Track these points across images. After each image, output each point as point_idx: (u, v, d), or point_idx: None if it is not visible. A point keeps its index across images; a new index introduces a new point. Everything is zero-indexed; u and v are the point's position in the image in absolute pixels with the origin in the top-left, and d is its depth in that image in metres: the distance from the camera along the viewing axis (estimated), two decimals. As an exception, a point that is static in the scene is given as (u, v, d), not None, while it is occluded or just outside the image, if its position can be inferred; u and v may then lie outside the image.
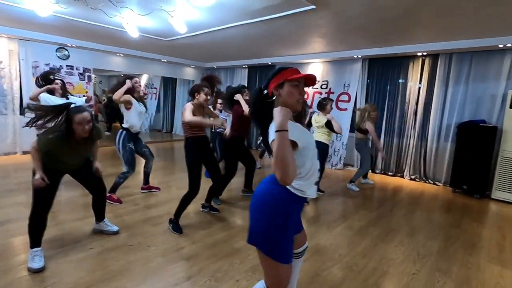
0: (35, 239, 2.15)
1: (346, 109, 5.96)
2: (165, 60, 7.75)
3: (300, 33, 4.50)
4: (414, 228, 3.19)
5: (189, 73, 8.82)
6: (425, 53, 4.97)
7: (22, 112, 5.69)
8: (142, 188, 3.91)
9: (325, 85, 6.29)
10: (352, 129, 5.95)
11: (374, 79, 5.75)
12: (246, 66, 7.84)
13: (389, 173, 5.61)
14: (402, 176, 5.44)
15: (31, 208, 2.14)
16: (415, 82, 5.24)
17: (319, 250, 2.60)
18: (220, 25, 4.29)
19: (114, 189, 3.43)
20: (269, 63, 7.05)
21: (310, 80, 1.36)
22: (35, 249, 2.13)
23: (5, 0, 3.68)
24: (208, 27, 4.41)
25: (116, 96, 3.22)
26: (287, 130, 1.17)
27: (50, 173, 2.11)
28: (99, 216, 2.63)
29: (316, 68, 6.43)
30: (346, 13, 3.44)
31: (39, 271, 2.05)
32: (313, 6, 3.22)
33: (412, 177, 5.31)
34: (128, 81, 3.33)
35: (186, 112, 2.70)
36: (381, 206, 3.86)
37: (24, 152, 5.71)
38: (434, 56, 4.97)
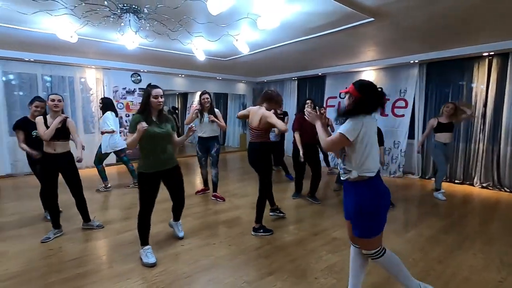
0: (143, 238, 2.52)
1: (403, 115, 5.82)
2: (220, 78, 8.37)
3: (354, 44, 4.61)
4: (492, 236, 3.03)
5: (241, 88, 9.35)
6: (492, 53, 4.70)
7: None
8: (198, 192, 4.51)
9: (379, 92, 6.22)
10: (410, 135, 5.78)
11: (433, 83, 5.56)
12: (295, 78, 8.10)
13: (456, 181, 5.29)
14: (472, 184, 5.09)
15: (138, 209, 2.56)
16: (481, 84, 4.96)
17: (391, 254, 2.64)
18: (277, 43, 4.62)
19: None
20: (319, 74, 7.21)
21: None
22: (146, 247, 2.49)
23: (100, 38, 4.46)
24: (265, 45, 4.77)
25: (187, 120, 4.15)
26: None
27: (149, 178, 2.49)
28: (176, 217, 2.98)
29: (368, 76, 6.41)
30: (404, 22, 3.51)
31: (154, 265, 2.40)
32: (372, 19, 3.35)
33: (484, 184, 4.94)
34: (195, 103, 3.91)
35: (274, 118, 2.92)
36: (451, 215, 3.71)
37: (107, 165, 6.60)
38: (503, 56, 4.68)
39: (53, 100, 2.85)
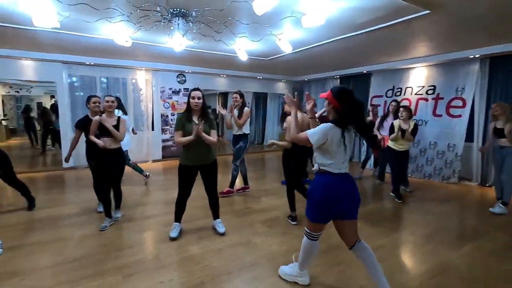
0: (177, 216, 2.95)
1: (460, 116, 5.30)
2: (260, 77, 8.42)
3: (404, 39, 4.31)
4: None
5: (281, 88, 9.31)
6: None
7: (153, 128, 7.10)
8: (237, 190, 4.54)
9: (432, 91, 5.75)
10: (468, 138, 5.25)
11: (497, 81, 4.97)
12: (338, 76, 7.83)
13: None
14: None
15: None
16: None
17: (445, 269, 2.42)
18: (320, 41, 4.49)
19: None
20: (364, 71, 6.87)
21: None
22: (175, 223, 2.95)
23: (151, 42, 4.74)
24: (308, 44, 4.68)
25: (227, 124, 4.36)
26: None
27: (186, 170, 2.83)
28: (215, 215, 3.09)
29: (419, 73, 5.96)
30: (464, 12, 3.18)
31: (174, 239, 2.83)
32: (427, 11, 3.10)
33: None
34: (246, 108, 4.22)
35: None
36: (518, 228, 3.29)
37: (154, 161, 7.05)
38: None
39: (107, 102, 3.15)
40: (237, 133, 4.30)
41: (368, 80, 7.03)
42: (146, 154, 7.09)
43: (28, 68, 5.77)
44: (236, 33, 3.86)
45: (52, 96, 12.34)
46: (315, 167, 1.97)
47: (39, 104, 11.88)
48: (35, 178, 5.47)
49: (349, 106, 1.82)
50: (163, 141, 7.37)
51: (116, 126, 3.16)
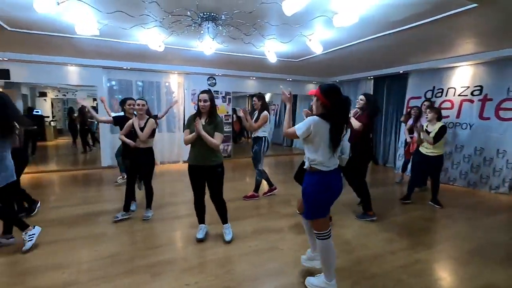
0: (199, 218, 3.01)
1: (511, 119, 4.80)
2: (290, 79, 8.32)
3: (447, 36, 3.99)
4: None
5: (311, 89, 9.12)
6: None
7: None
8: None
9: (478, 91, 5.26)
10: (521, 144, 4.73)
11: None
12: (372, 77, 7.49)
13: None
14: None
15: None
16: None
17: (495, 289, 2.17)
18: (353, 41, 4.31)
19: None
20: (401, 71, 6.49)
21: None
22: (200, 225, 3.02)
23: (182, 46, 4.87)
24: (340, 44, 4.51)
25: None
26: None
27: (191, 169, 2.82)
28: (222, 220, 3.03)
29: (464, 72, 5.49)
30: (520, 4, 2.85)
31: (200, 241, 2.88)
32: (474, 5, 2.83)
33: None
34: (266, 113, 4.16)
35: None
36: None
37: (184, 161, 7.24)
38: None
39: (138, 105, 3.36)
40: (254, 136, 4.29)
41: (405, 80, 6.63)
42: (177, 155, 7.31)
43: (72, 73, 6.22)
44: (265, 35, 3.82)
45: (94, 99, 13.23)
46: (306, 164, 2.06)
47: (82, 106, 12.81)
48: (76, 175, 5.87)
49: (336, 102, 1.93)
50: (194, 142, 7.55)
51: (144, 128, 3.35)
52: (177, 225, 3.36)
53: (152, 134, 3.42)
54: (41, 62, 5.72)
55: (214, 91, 7.63)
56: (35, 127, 8.20)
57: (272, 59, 4.60)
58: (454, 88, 5.63)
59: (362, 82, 7.94)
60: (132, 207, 3.69)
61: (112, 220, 3.40)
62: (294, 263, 2.50)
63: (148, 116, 3.46)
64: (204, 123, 2.74)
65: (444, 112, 5.68)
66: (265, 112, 4.16)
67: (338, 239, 2.99)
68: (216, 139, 2.70)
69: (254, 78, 7.98)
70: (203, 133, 2.65)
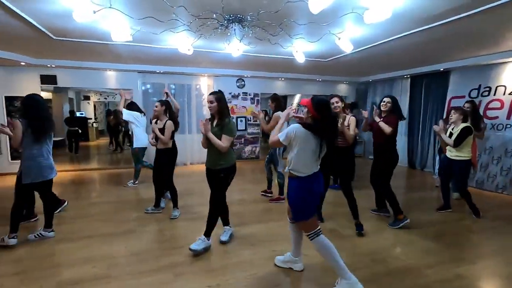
0: (221, 220, 2.95)
1: None
2: (320, 79, 8.11)
3: (495, 29, 3.61)
4: None
5: (342, 90, 8.81)
6: None
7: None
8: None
9: (533, 89, 4.71)
10: None
11: None
12: (408, 76, 7.05)
13: None
14: None
15: None
16: None
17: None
18: (387, 38, 4.07)
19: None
20: (441, 69, 6.03)
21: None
22: (224, 227, 2.99)
23: (210, 49, 4.94)
24: (372, 41, 4.28)
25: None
26: None
27: (206, 173, 2.80)
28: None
29: (516, 68, 4.95)
30: None
31: (224, 243, 2.86)
32: (528, -8, 2.51)
33: None
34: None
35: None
36: None
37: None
38: None
39: (156, 107, 3.64)
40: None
41: (446, 78, 6.15)
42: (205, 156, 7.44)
43: (111, 77, 6.62)
44: (292, 35, 3.75)
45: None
46: (286, 169, 2.17)
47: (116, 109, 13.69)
48: (112, 174, 6.22)
49: (325, 117, 2.00)
50: (222, 143, 7.65)
51: (162, 129, 3.54)
52: (203, 226, 3.38)
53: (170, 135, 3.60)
54: (83, 68, 6.16)
55: (242, 92, 7.69)
56: (76, 128, 8.94)
57: (300, 59, 4.49)
58: (505, 86, 5.10)
59: (397, 81, 7.51)
60: (162, 204, 3.85)
61: (143, 212, 3.69)
62: (320, 269, 2.40)
63: (167, 118, 3.61)
64: (214, 125, 2.73)
65: (492, 113, 5.20)
66: (277, 113, 4.07)
67: (368, 248, 2.82)
68: (222, 141, 2.61)
69: (282, 79, 7.90)
70: (210, 134, 2.62)
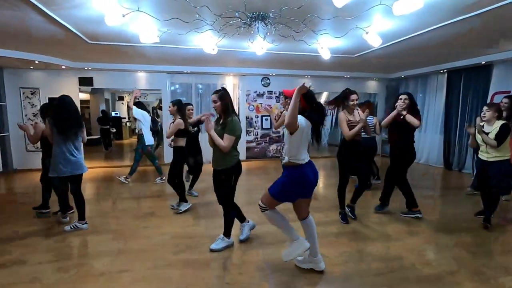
0: (239, 217, 2.96)
1: None
2: (348, 76, 7.86)
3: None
4: None
5: (371, 87, 8.47)
6: None
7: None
8: None
9: None
10: None
11: None
12: (445, 70, 6.59)
13: None
14: None
15: None
16: None
17: None
18: (419, 30, 3.83)
19: None
20: (482, 62, 5.57)
21: None
22: (241, 224, 2.99)
23: (234, 48, 4.97)
24: (402, 35, 4.06)
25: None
26: None
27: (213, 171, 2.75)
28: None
29: None
30: None
31: (242, 241, 2.88)
32: None
33: None
34: None
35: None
36: None
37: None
38: None
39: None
40: None
41: (488, 72, 5.68)
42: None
43: (141, 78, 6.92)
44: (316, 31, 3.66)
45: (161, 102, 14.58)
46: (285, 159, 2.22)
47: (153, 109, 14.24)
48: (143, 170, 6.50)
49: (314, 106, 2.23)
50: (247, 142, 7.69)
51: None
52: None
53: (178, 134, 3.72)
54: (116, 70, 6.50)
55: (267, 91, 7.67)
56: (108, 126, 9.53)
57: (326, 55, 4.38)
58: (557, 80, 4.59)
59: (432, 77, 7.07)
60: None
61: (169, 207, 3.86)
62: (341, 275, 2.32)
63: (179, 118, 3.75)
64: (219, 124, 2.69)
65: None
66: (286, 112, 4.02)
67: (396, 252, 2.68)
68: (224, 140, 2.53)
69: (308, 76, 7.76)
70: (211, 132, 2.57)
